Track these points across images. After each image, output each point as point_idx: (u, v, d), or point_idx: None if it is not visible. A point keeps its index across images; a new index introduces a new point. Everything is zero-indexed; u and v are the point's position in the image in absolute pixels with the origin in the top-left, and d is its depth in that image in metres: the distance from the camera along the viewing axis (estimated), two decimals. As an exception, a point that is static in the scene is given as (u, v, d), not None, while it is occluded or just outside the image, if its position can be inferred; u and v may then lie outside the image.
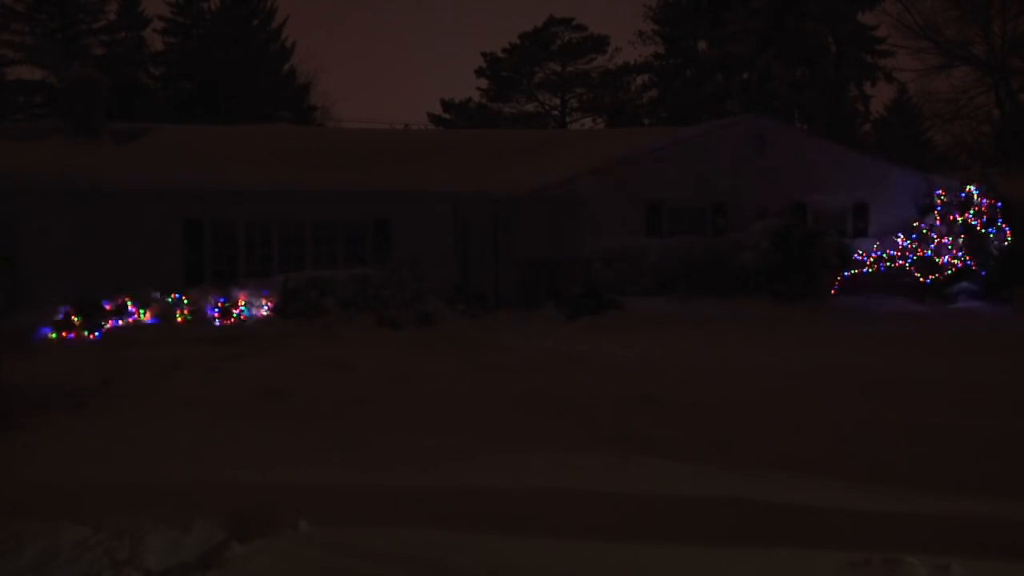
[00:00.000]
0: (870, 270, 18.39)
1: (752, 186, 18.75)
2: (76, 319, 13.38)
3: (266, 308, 14.64)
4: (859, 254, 18.56)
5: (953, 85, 40.08)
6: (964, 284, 18.18)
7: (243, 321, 14.26)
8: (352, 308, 14.76)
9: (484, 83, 46.77)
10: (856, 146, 20.60)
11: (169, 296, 14.43)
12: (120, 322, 13.76)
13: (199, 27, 40.51)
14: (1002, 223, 19.28)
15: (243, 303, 14.51)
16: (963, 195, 19.53)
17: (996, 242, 19.02)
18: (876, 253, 18.74)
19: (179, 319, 14.11)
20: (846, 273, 18.00)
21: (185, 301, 14.33)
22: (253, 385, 8.66)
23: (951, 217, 19.20)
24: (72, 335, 13.17)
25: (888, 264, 18.58)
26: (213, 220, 16.66)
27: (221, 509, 4.70)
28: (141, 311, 14.03)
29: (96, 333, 13.27)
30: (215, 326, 13.98)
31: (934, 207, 19.52)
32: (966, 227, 19.06)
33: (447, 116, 45.66)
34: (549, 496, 5.13)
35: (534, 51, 45.54)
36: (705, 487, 5.22)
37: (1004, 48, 31.80)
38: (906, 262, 18.67)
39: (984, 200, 19.38)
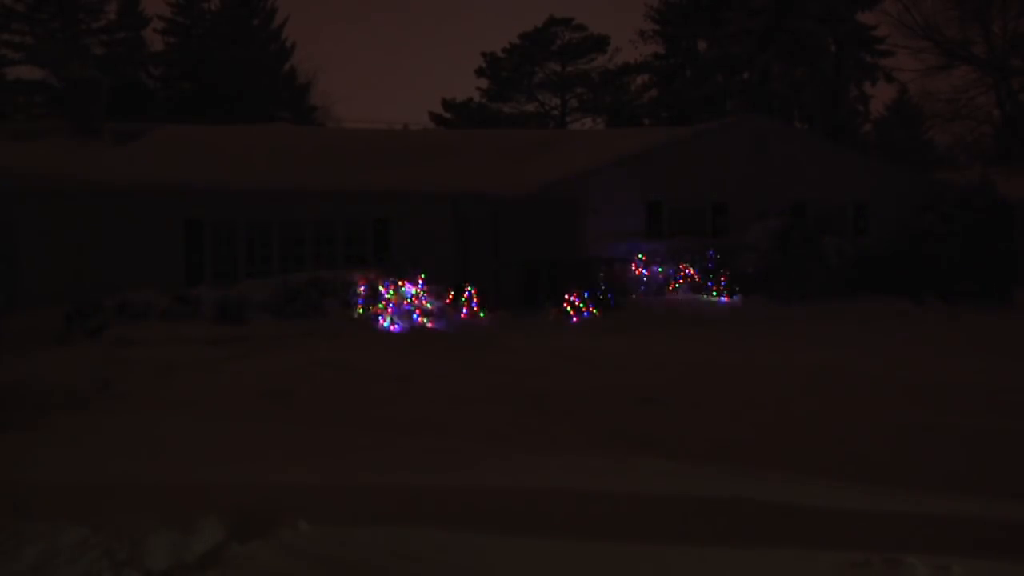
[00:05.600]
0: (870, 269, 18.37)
1: (752, 186, 18.75)
2: (76, 319, 13.36)
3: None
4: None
5: (953, 85, 40.01)
6: (964, 284, 18.16)
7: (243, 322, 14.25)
8: (352, 308, 14.75)
9: (484, 83, 46.76)
10: (856, 146, 20.59)
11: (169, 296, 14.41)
12: (120, 322, 13.73)
13: (199, 27, 40.53)
14: (1002, 223, 19.25)
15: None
16: (963, 195, 19.51)
17: (996, 242, 18.99)
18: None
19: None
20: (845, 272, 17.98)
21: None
22: (253, 385, 8.65)
23: (950, 217, 19.17)
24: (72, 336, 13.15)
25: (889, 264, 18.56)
26: (213, 220, 16.65)
27: (221, 509, 4.70)
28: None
29: (96, 333, 13.25)
30: (215, 327, 13.96)
31: (934, 207, 19.49)
32: (966, 227, 19.03)
33: (448, 116, 45.67)
34: (549, 496, 5.13)
35: (534, 51, 45.53)
36: (705, 487, 5.22)
37: (1004, 48, 31.78)
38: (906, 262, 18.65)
39: (983, 200, 19.35)
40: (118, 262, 15.56)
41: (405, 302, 14.97)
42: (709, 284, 17.26)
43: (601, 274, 16.87)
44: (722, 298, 17.07)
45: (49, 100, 36.12)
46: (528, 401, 7.93)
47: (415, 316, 14.86)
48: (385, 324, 14.42)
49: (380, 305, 14.75)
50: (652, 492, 5.20)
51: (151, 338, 12.57)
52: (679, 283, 17.23)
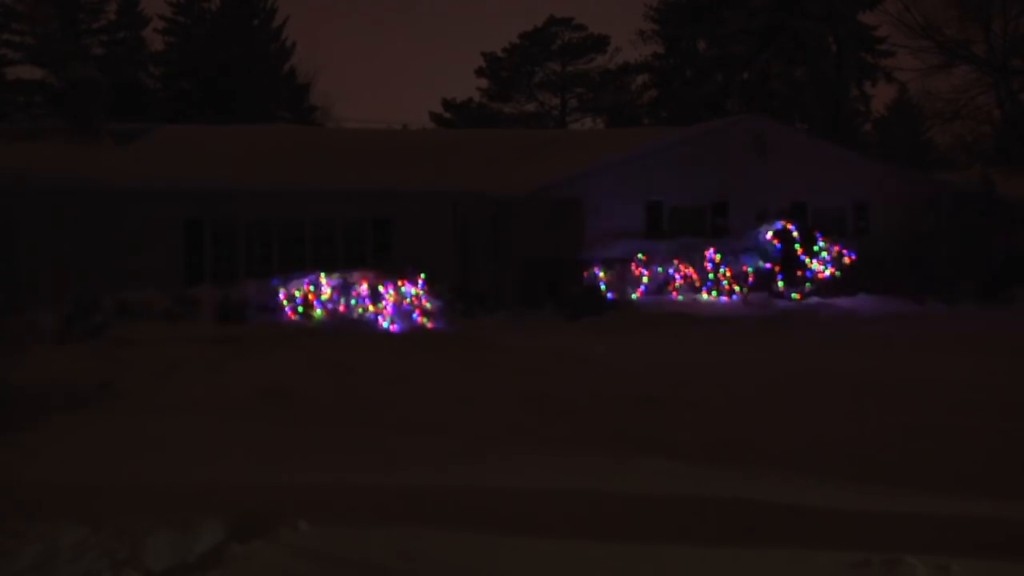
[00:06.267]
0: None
1: (752, 186, 18.74)
2: (76, 319, 13.36)
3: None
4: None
5: (953, 85, 40.01)
6: (964, 284, 18.16)
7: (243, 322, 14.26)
8: (352, 308, 14.75)
9: (484, 83, 46.80)
10: (856, 146, 20.61)
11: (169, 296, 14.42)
12: (120, 322, 13.74)
13: (199, 27, 40.51)
14: (1002, 223, 19.26)
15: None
16: (963, 195, 19.52)
17: (996, 242, 19.00)
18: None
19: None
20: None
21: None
22: (253, 385, 8.65)
23: (951, 217, 19.18)
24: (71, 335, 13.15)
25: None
26: (213, 220, 16.65)
27: (221, 509, 4.70)
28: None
29: (96, 333, 13.25)
30: (215, 327, 13.97)
31: (935, 207, 19.50)
32: (965, 227, 19.04)
33: (448, 116, 45.68)
34: (549, 496, 5.13)
35: (534, 51, 45.55)
36: (705, 487, 5.22)
37: (1004, 48, 31.78)
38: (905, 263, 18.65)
39: (983, 200, 19.36)
40: (118, 262, 15.55)
41: (405, 302, 14.98)
42: (708, 284, 17.28)
43: (601, 274, 16.87)
44: (722, 298, 17.09)
45: (49, 100, 36.11)
46: (528, 401, 7.94)
47: (415, 316, 14.86)
48: (385, 324, 14.43)
49: (380, 305, 14.76)
50: (652, 492, 5.20)
51: (151, 338, 12.58)
52: (679, 283, 17.25)
